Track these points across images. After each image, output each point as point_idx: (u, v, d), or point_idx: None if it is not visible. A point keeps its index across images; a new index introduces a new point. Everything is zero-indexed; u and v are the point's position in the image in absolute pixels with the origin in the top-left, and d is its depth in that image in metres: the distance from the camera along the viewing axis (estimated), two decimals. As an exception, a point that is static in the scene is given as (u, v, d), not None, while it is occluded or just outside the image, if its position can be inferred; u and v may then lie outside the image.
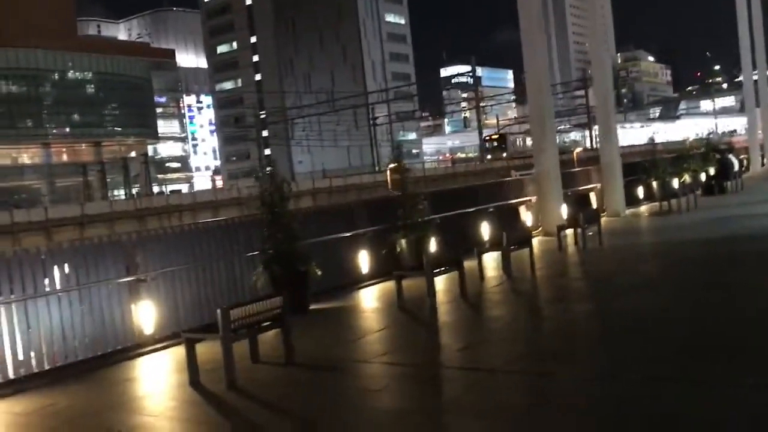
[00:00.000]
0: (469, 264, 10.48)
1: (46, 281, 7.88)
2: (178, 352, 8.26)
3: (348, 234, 11.90)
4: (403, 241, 12.32)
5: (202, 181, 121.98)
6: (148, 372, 7.87)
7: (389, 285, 11.72)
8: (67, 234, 34.41)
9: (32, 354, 7.65)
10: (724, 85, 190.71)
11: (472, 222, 15.04)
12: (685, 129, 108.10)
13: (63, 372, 7.75)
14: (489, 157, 78.07)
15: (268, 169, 10.35)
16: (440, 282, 10.29)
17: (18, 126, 76.57)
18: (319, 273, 9.98)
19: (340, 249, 11.80)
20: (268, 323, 7.06)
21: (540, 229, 16.83)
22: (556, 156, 17.15)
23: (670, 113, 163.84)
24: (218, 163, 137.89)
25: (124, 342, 8.50)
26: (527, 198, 17.18)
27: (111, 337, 8.40)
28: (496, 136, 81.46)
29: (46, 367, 7.75)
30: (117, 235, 8.84)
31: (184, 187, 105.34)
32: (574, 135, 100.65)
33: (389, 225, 12.43)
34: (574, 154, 69.84)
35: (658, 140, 34.20)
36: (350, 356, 7.53)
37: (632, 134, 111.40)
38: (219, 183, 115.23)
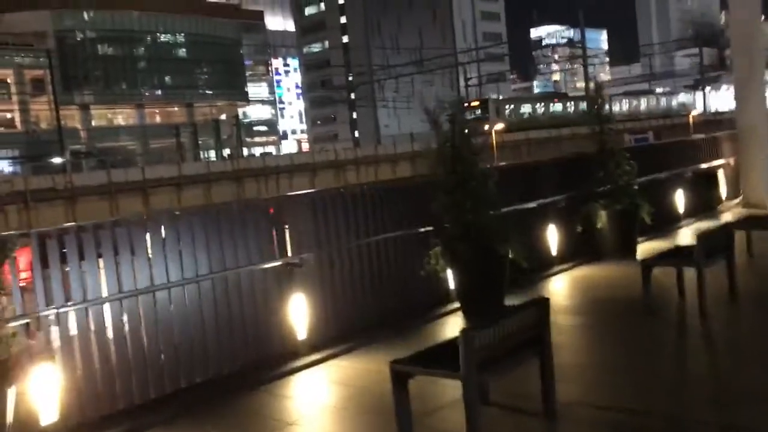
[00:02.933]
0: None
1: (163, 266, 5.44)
2: (346, 368, 5.76)
3: (533, 204, 8.99)
4: (604, 214, 9.37)
5: (289, 144, 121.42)
6: (313, 402, 5.33)
7: (588, 272, 8.91)
8: (164, 196, 33.10)
9: (148, 373, 5.24)
10: None
11: (666, 190, 11.87)
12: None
13: (191, 397, 5.33)
14: None
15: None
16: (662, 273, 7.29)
17: (113, 88, 77.24)
18: (511, 256, 7.23)
19: (523, 224, 8.94)
20: (523, 352, 4.30)
21: (740, 199, 13.46)
22: (766, 108, 13.56)
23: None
24: (304, 126, 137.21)
25: (270, 352, 6.01)
26: (723, 161, 13.78)
27: (253, 345, 5.92)
28: (476, 103, 61.59)
29: (168, 391, 5.35)
30: (257, 200, 6.29)
31: (272, 150, 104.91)
32: (683, 97, 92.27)
33: (585, 192, 9.49)
34: (690, 118, 64.04)
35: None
36: (655, 404, 4.70)
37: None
38: (305, 146, 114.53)
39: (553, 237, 9.23)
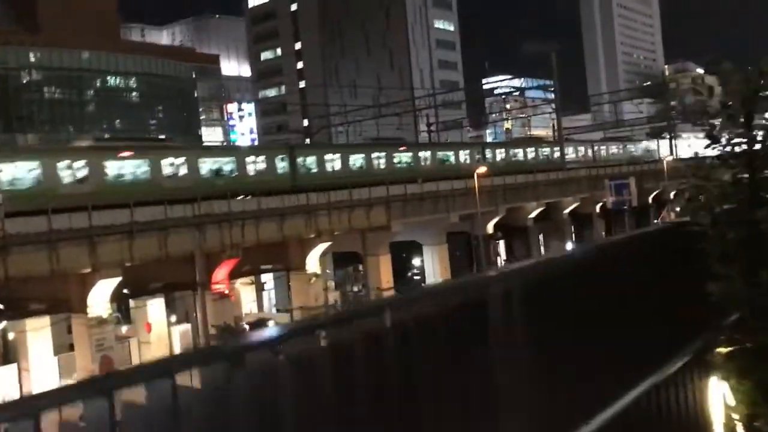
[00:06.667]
0: None
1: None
2: None
3: None
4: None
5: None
6: None
7: None
8: (114, 245, 28.62)
9: None
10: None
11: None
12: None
13: None
14: None
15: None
16: None
17: (59, 129, 72.54)
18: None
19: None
20: None
21: None
22: None
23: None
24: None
25: None
26: None
27: None
28: None
29: None
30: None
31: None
32: (647, 144, 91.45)
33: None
34: (665, 163, 62.50)
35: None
36: None
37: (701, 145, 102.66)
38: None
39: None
